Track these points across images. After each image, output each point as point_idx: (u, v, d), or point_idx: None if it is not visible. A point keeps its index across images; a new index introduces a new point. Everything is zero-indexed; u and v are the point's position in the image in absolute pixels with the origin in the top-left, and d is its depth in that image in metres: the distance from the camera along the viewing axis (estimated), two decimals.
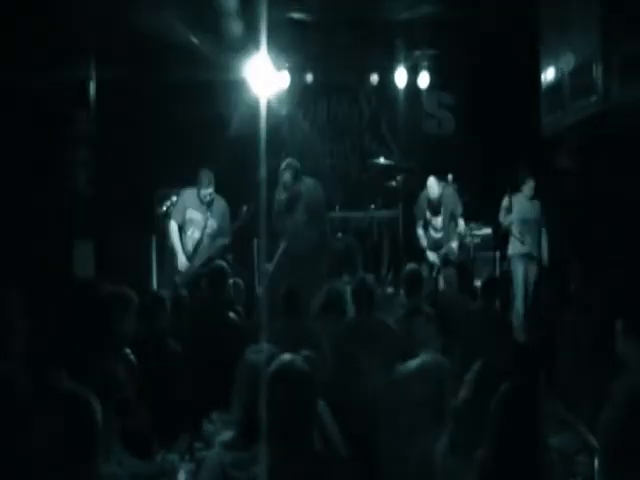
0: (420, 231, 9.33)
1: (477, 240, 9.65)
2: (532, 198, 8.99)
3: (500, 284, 7.72)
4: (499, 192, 9.21)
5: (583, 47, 6.11)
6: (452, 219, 9.19)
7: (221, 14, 9.12)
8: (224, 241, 8.19)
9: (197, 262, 8.10)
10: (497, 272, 9.20)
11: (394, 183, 9.85)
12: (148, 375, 4.79)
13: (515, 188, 9.02)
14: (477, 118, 10.54)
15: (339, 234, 9.31)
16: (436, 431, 3.66)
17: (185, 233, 8.21)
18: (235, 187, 9.15)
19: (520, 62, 8.66)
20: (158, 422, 4.46)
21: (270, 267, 8.18)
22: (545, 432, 3.15)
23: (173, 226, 8.22)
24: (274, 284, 7.12)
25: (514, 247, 9.09)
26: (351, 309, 6.09)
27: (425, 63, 10.70)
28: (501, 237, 9.30)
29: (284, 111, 11.27)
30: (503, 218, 9.08)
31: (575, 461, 3.84)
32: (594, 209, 6.76)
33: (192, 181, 8.24)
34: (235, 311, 6.33)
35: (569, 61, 6.42)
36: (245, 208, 8.24)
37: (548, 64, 6.98)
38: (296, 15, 9.85)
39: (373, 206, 9.76)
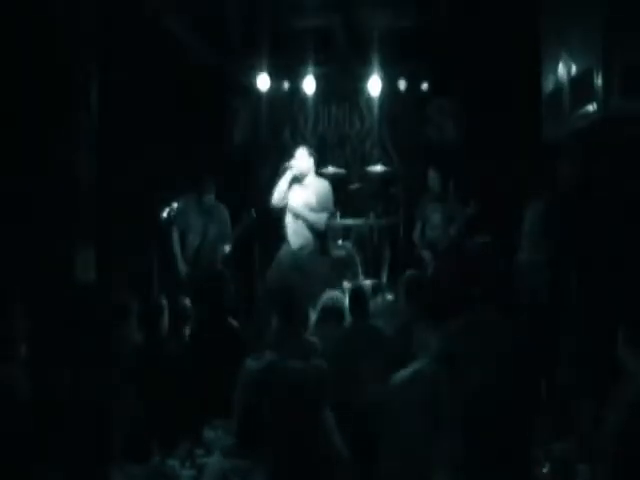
0: (417, 231, 9.38)
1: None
2: None
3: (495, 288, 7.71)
4: (499, 199, 9.23)
5: (583, 55, 6.12)
6: (450, 221, 9.21)
7: (223, 22, 9.16)
8: (225, 247, 8.20)
9: (198, 268, 8.10)
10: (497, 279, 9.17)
11: (394, 190, 9.86)
12: (149, 381, 4.79)
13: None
14: (478, 125, 10.55)
15: (339, 241, 9.30)
16: (433, 437, 3.67)
17: (186, 239, 8.22)
18: (236, 193, 9.18)
19: (521, 70, 8.68)
20: (159, 428, 4.46)
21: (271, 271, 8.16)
22: (545, 440, 3.16)
23: (174, 232, 8.23)
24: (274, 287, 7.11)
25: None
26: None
27: (426, 69, 10.71)
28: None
29: (285, 118, 11.29)
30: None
31: (576, 469, 3.84)
32: (594, 217, 6.76)
33: (193, 187, 8.25)
34: (236, 317, 6.33)
35: (569, 69, 6.43)
36: (246, 215, 8.25)
37: (549, 72, 7.00)
38: (297, 22, 9.87)
39: (373, 213, 9.77)
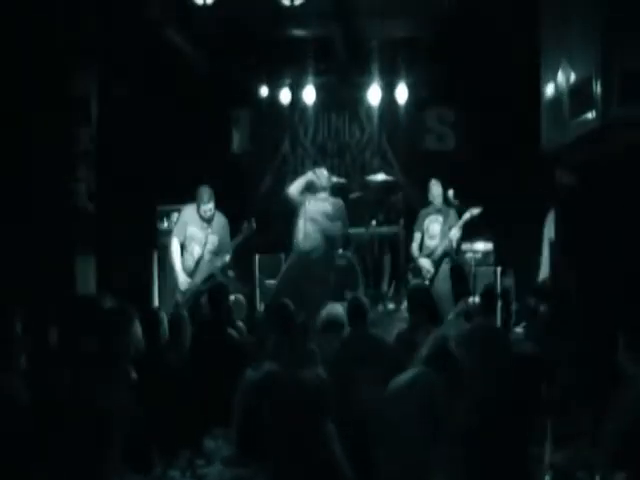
0: (415, 243, 9.40)
1: (478, 255, 9.66)
2: None
3: (498, 298, 7.72)
4: (498, 206, 9.24)
5: (583, 63, 6.12)
6: (450, 229, 9.22)
7: (223, 33, 9.18)
8: (225, 257, 8.19)
9: (198, 279, 8.09)
10: (498, 288, 9.18)
11: (394, 199, 9.87)
12: (149, 391, 4.78)
13: None
14: (477, 134, 10.57)
15: (340, 250, 9.32)
16: (430, 443, 3.66)
17: (186, 249, 8.20)
18: (236, 203, 9.18)
19: (520, 78, 8.69)
20: (159, 438, 4.45)
21: (275, 282, 8.17)
22: (545, 448, 3.15)
23: (174, 242, 8.21)
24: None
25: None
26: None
27: (425, 79, 10.73)
28: None
29: (285, 127, 11.31)
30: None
31: (576, 477, 3.83)
32: (594, 225, 6.76)
33: (193, 197, 8.25)
34: (236, 328, 6.33)
35: (569, 77, 6.43)
36: (246, 224, 8.25)
37: (548, 80, 6.99)
38: (297, 32, 9.89)
39: (374, 222, 9.77)
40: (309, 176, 8.52)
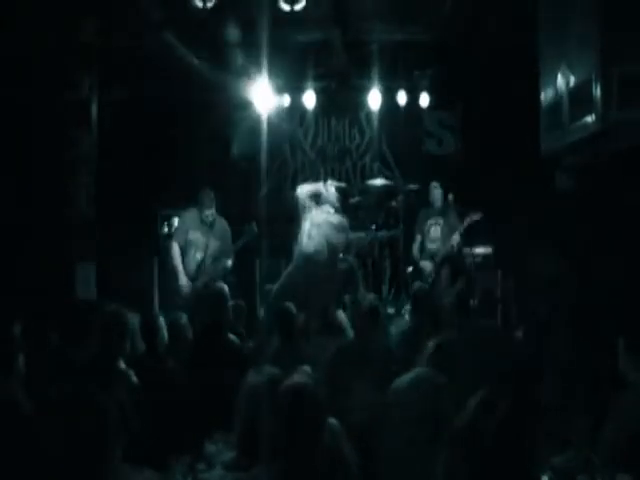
0: (416, 245, 9.42)
1: (478, 259, 9.66)
2: None
3: (498, 301, 7.74)
4: (498, 210, 9.25)
5: (582, 67, 6.14)
6: (450, 233, 9.23)
7: (223, 37, 9.19)
8: (226, 262, 8.20)
9: (199, 283, 8.10)
10: (498, 291, 9.18)
11: (395, 203, 9.87)
12: (149, 395, 4.79)
13: None
14: (477, 138, 10.58)
15: (340, 255, 9.32)
16: (433, 444, 3.66)
17: (187, 254, 8.21)
18: (237, 208, 9.19)
19: (519, 81, 8.70)
20: (159, 442, 4.46)
21: (277, 286, 8.16)
22: (545, 451, 3.14)
23: (175, 247, 8.22)
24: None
25: None
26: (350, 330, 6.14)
27: (425, 83, 10.73)
28: None
29: (285, 132, 11.32)
30: None
31: None
32: (594, 228, 6.77)
33: (193, 202, 8.26)
34: (236, 333, 6.33)
35: (568, 81, 6.45)
36: (247, 228, 8.27)
37: (548, 84, 7.01)
38: (297, 37, 9.90)
39: (374, 226, 9.78)
40: (319, 186, 8.50)
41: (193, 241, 8.24)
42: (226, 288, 6.45)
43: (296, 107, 10.96)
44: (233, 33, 9.29)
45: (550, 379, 4.76)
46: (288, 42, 9.94)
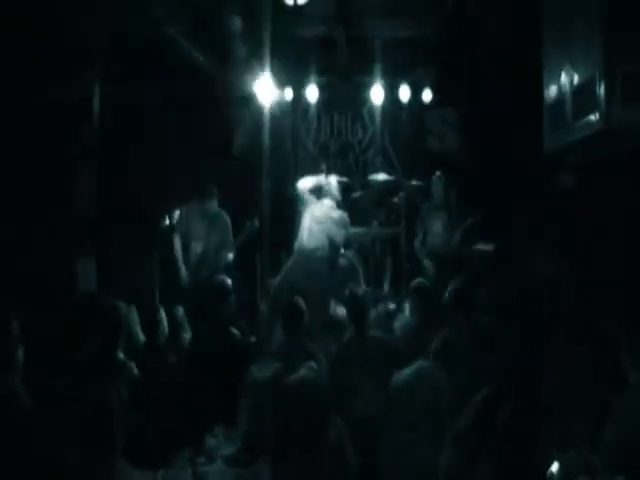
0: (418, 239, 9.41)
1: (479, 257, 9.64)
2: None
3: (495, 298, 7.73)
4: (501, 208, 9.24)
5: (585, 65, 6.13)
6: (452, 229, 9.22)
7: (225, 32, 9.18)
8: (227, 256, 8.20)
9: (200, 277, 8.10)
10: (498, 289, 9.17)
11: (396, 199, 9.86)
12: (150, 389, 4.80)
13: None
14: (480, 135, 10.57)
15: (341, 250, 9.31)
16: (435, 438, 3.67)
17: (188, 247, 8.22)
18: (238, 202, 9.18)
19: (523, 80, 8.69)
20: (160, 436, 4.46)
21: (277, 281, 8.15)
22: (545, 452, 3.15)
23: (176, 240, 8.23)
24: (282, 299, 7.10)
25: None
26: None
27: (428, 80, 10.73)
28: None
29: (288, 127, 11.31)
30: None
31: None
32: (596, 226, 6.76)
33: (195, 196, 8.25)
34: (238, 327, 6.33)
35: (572, 79, 6.44)
36: (248, 222, 8.27)
37: (551, 82, 7.00)
38: (300, 32, 9.89)
39: (376, 222, 9.77)
40: (321, 179, 8.49)
41: (194, 233, 8.25)
42: (229, 281, 6.45)
43: (298, 102, 10.96)
44: (236, 28, 9.29)
45: (550, 379, 4.75)
46: (291, 37, 9.94)
